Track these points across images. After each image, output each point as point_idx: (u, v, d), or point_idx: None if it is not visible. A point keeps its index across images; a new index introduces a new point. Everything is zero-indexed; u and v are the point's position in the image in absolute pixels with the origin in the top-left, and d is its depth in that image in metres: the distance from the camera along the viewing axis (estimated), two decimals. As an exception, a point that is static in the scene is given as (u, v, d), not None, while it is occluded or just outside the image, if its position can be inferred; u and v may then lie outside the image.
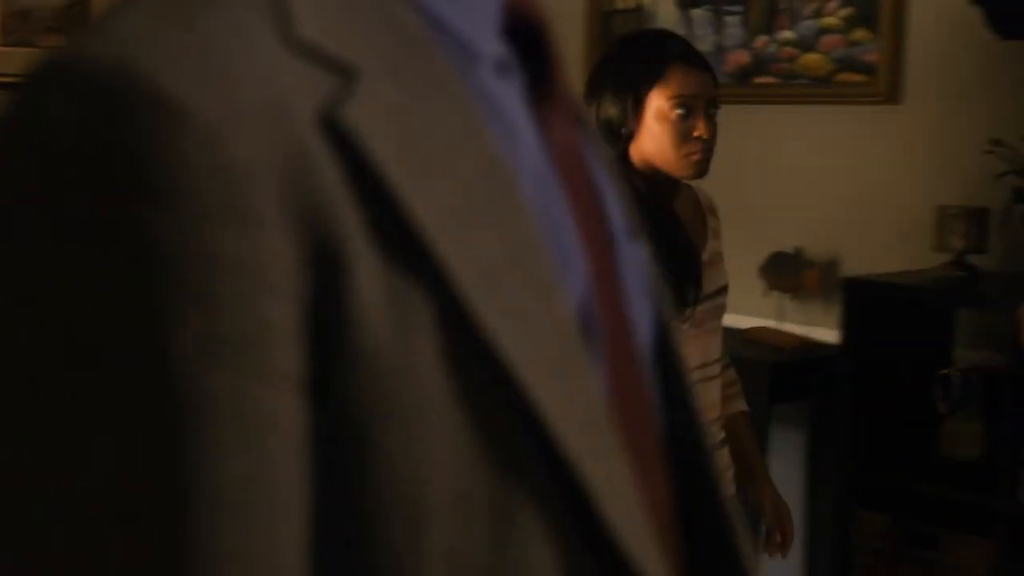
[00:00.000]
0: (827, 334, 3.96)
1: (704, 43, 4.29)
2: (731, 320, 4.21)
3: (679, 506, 0.82)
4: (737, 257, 4.19)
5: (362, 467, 0.58)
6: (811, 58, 4.07)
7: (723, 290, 2.63)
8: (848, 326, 3.53)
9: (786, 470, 4.10)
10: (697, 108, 2.47)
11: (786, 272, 4.04)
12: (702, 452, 0.83)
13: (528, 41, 0.74)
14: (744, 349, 3.87)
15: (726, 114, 4.31)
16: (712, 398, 2.59)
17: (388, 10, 0.65)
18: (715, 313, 2.59)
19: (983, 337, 3.70)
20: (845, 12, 3.99)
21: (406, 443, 0.58)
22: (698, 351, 2.52)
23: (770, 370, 3.77)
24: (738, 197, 4.23)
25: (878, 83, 3.91)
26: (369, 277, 0.58)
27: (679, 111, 2.45)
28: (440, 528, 0.59)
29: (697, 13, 4.36)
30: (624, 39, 2.60)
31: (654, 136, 2.46)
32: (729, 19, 4.27)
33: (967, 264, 3.55)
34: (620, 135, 2.48)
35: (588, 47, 4.68)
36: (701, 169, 2.48)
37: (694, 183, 2.64)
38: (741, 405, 2.84)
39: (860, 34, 3.96)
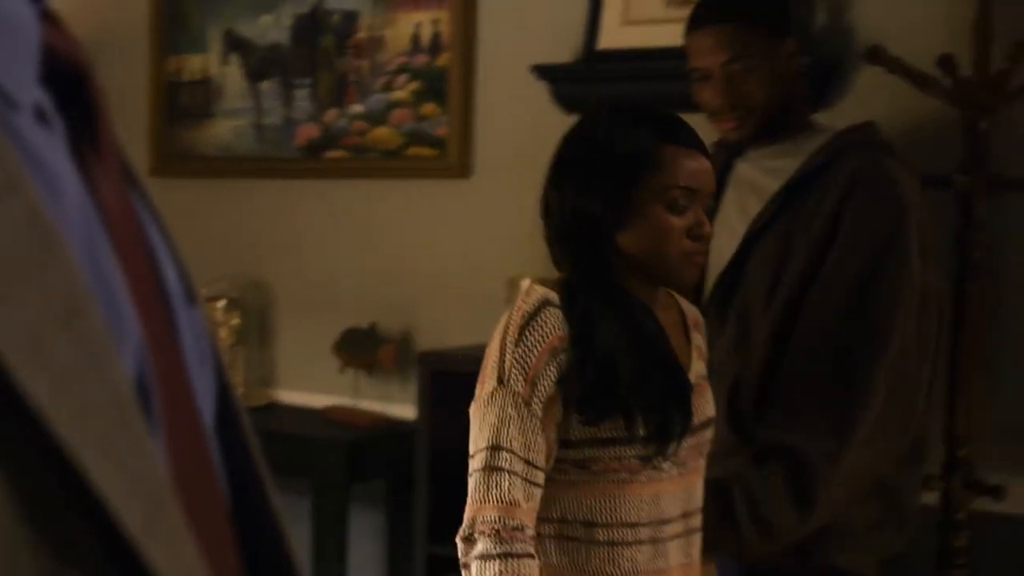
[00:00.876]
0: (405, 410, 3.90)
1: (273, 116, 4.19)
2: (306, 399, 4.12)
3: None
4: (310, 334, 4.10)
5: None
6: (381, 132, 4.04)
7: (710, 422, 2.13)
8: (425, 401, 3.49)
9: (366, 549, 4.01)
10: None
11: (361, 348, 3.96)
12: (272, 526, 0.79)
13: (71, 89, 0.67)
14: (321, 429, 3.78)
15: (296, 188, 4.27)
16: (694, 553, 2.11)
17: None
18: (700, 450, 2.11)
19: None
20: (414, 86, 3.99)
21: None
22: (680, 497, 2.06)
23: (347, 449, 3.69)
24: (310, 272, 4.15)
25: (448, 157, 3.92)
26: None
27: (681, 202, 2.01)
28: None
29: (266, 85, 4.26)
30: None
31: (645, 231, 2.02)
32: (298, 92, 4.20)
33: (540, 336, 3.57)
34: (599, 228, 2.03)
35: (153, 120, 4.49)
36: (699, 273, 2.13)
37: (676, 296, 2.20)
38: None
39: (429, 108, 3.97)
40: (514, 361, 1.95)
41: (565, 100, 3.72)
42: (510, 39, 3.85)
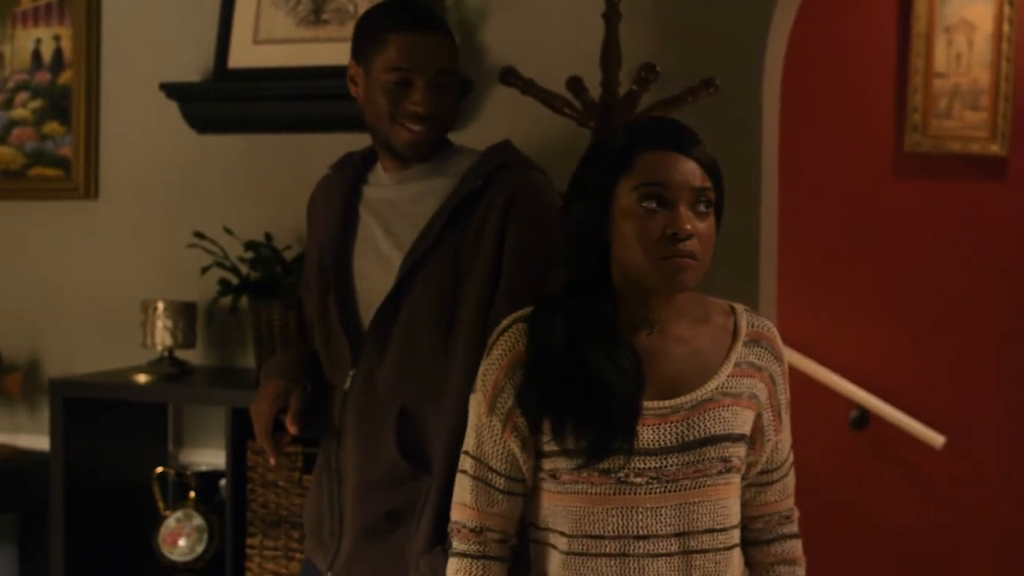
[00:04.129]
0: (36, 440, 3.75)
1: None
2: None
3: None
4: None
5: None
6: (2, 151, 3.88)
7: (716, 440, 2.01)
8: (58, 431, 3.36)
9: (-8, 589, 3.82)
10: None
11: (-17, 378, 3.79)
12: None
13: None
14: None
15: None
16: (711, 571, 2.04)
17: None
18: (699, 468, 2.00)
19: (198, 433, 3.68)
20: (36, 104, 3.85)
21: None
22: (671, 515, 1.99)
23: (-26, 484, 3.51)
24: (-75, 300, 3.93)
25: (74, 177, 3.80)
26: None
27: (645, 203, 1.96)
28: None
29: None
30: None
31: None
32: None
33: (177, 360, 3.51)
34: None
35: None
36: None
37: (739, 307, 2.13)
38: None
39: (52, 127, 3.83)
40: (482, 373, 2.08)
41: (196, 119, 3.68)
42: (137, 56, 3.77)
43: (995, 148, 4.62)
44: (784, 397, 2.13)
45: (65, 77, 3.83)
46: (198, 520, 3.45)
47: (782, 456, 2.17)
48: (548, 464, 2.04)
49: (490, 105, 3.39)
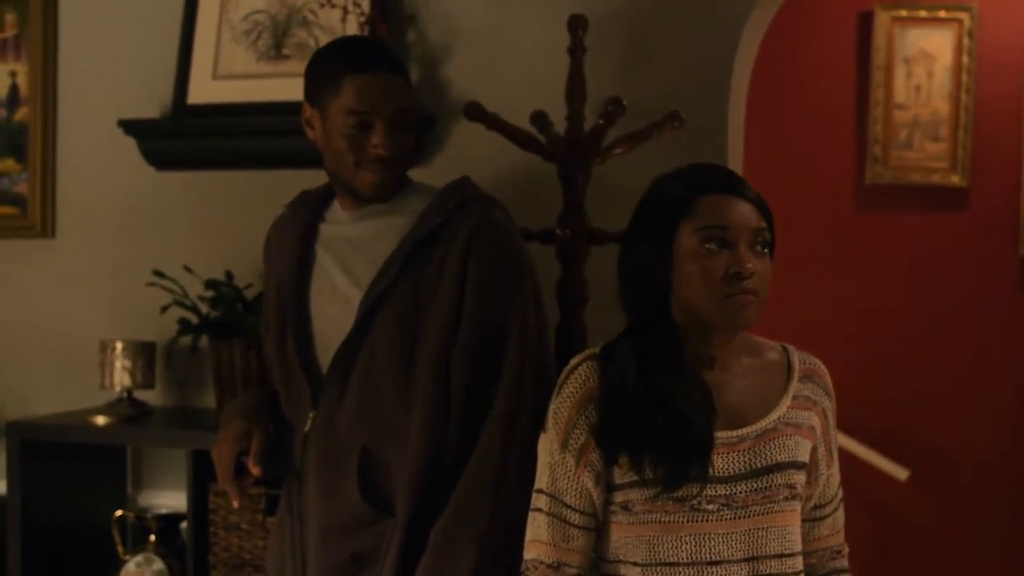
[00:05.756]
0: (-8, 484, 3.68)
1: None
2: None
3: None
4: None
5: None
6: (-44, 189, 3.83)
7: (778, 468, 2.11)
8: (15, 474, 3.30)
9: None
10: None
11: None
12: None
13: None
14: None
15: None
16: None
17: None
18: (767, 495, 2.09)
19: (158, 476, 3.62)
20: (0, 142, 3.81)
21: None
22: (741, 540, 2.07)
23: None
24: None
25: (30, 215, 3.75)
26: None
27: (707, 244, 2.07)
28: None
29: None
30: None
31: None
32: None
33: (136, 401, 3.46)
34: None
35: None
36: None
37: (789, 346, 2.26)
38: None
39: (8, 164, 3.78)
40: (553, 412, 2.14)
41: (154, 156, 3.63)
42: (95, 92, 3.72)
43: (955, 179, 4.64)
44: (834, 432, 2.26)
45: (22, 114, 3.78)
46: (159, 564, 3.38)
47: (832, 491, 2.27)
48: (620, 497, 2.10)
49: (453, 140, 3.36)
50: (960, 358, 4.67)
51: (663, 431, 2.03)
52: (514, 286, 2.45)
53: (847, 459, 4.55)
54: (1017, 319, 4.65)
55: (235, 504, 2.54)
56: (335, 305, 2.51)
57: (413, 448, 2.42)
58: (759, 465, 2.08)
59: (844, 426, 4.57)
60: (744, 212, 2.06)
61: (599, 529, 2.15)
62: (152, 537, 3.41)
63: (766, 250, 2.09)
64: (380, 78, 2.45)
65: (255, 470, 2.48)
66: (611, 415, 2.08)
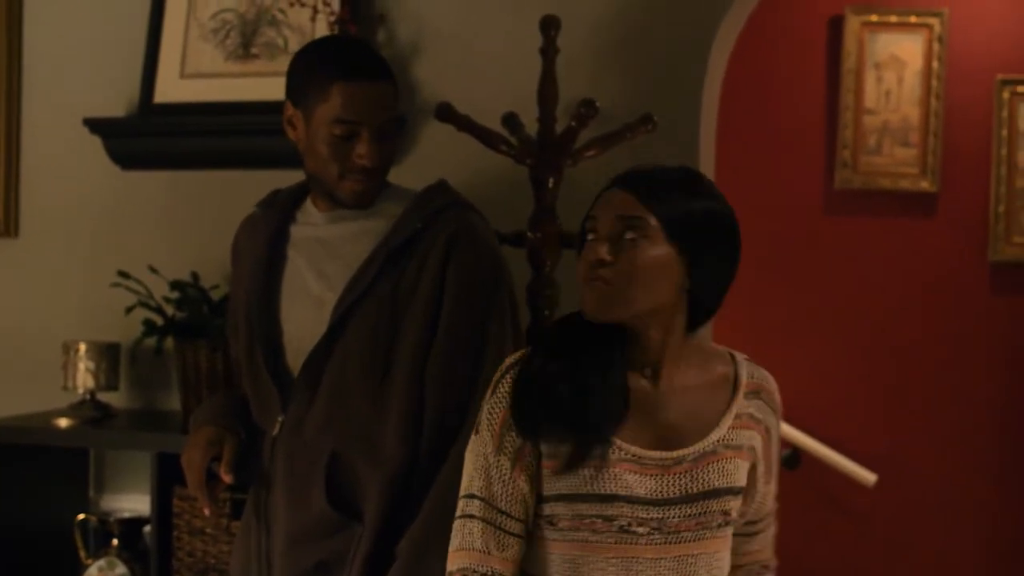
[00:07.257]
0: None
1: None
2: None
3: None
4: None
5: None
6: (-83, 188, 3.77)
7: (715, 494, 2.01)
8: (-25, 477, 3.27)
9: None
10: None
11: None
12: None
13: None
14: None
15: None
16: None
17: None
18: (701, 520, 2.00)
19: (121, 479, 3.58)
20: (-47, 140, 3.75)
21: None
22: (669, 568, 1.98)
23: None
24: None
25: (-7, 215, 3.70)
26: None
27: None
28: None
29: None
30: None
31: None
32: None
33: (99, 403, 3.42)
34: None
35: None
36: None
37: (739, 356, 2.12)
38: None
39: (-29, 163, 3.73)
40: (487, 413, 2.03)
41: (120, 155, 3.59)
42: (59, 91, 3.68)
43: (925, 184, 4.64)
44: (777, 450, 2.14)
45: (-16, 112, 3.73)
46: (121, 568, 3.35)
47: (767, 508, 2.18)
48: (547, 509, 2.00)
49: (424, 141, 3.33)
50: (929, 362, 4.67)
51: (568, 401, 1.96)
52: (492, 294, 2.42)
53: (815, 464, 4.56)
54: (986, 324, 4.65)
55: (206, 512, 2.49)
56: (307, 309, 2.48)
57: (386, 456, 2.39)
58: (695, 490, 1.99)
59: (812, 430, 4.62)
60: (614, 201, 1.97)
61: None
62: (115, 541, 3.38)
63: (637, 238, 1.96)
64: (370, 87, 2.41)
65: (227, 478, 2.44)
66: (525, 388, 1.99)
